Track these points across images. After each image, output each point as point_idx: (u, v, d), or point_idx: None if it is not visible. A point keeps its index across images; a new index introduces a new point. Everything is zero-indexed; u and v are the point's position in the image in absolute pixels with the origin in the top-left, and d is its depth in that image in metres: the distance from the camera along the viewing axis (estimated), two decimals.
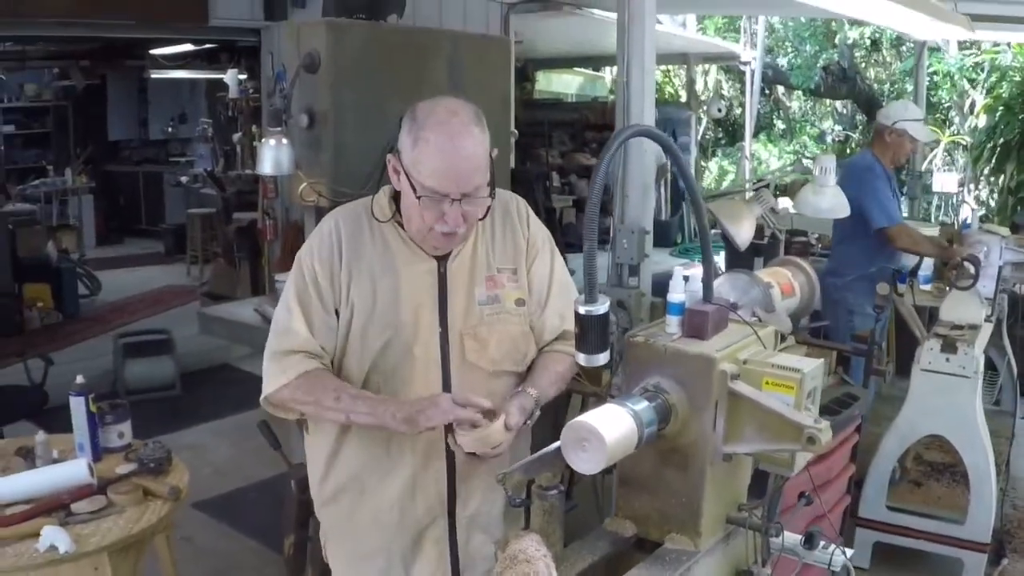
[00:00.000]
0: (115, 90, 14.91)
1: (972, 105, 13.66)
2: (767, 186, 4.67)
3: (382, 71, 4.80)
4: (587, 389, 3.80)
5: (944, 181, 10.08)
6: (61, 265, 9.52)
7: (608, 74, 15.73)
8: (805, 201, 4.27)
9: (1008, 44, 12.12)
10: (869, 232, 5.30)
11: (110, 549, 2.86)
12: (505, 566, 1.67)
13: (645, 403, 1.77)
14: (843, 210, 4.34)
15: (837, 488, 4.13)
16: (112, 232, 14.34)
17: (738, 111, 17.31)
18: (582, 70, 16.07)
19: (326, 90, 4.69)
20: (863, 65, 17.53)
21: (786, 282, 2.65)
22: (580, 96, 16.59)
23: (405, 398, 2.31)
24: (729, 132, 18.77)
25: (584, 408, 2.47)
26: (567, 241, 8.71)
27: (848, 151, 16.66)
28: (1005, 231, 5.10)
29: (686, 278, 1.98)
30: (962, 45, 13.35)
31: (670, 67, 16.39)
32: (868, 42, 16.78)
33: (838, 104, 18.84)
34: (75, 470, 3.12)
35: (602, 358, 1.77)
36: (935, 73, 14.03)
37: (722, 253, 8.43)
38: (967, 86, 14.02)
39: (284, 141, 4.59)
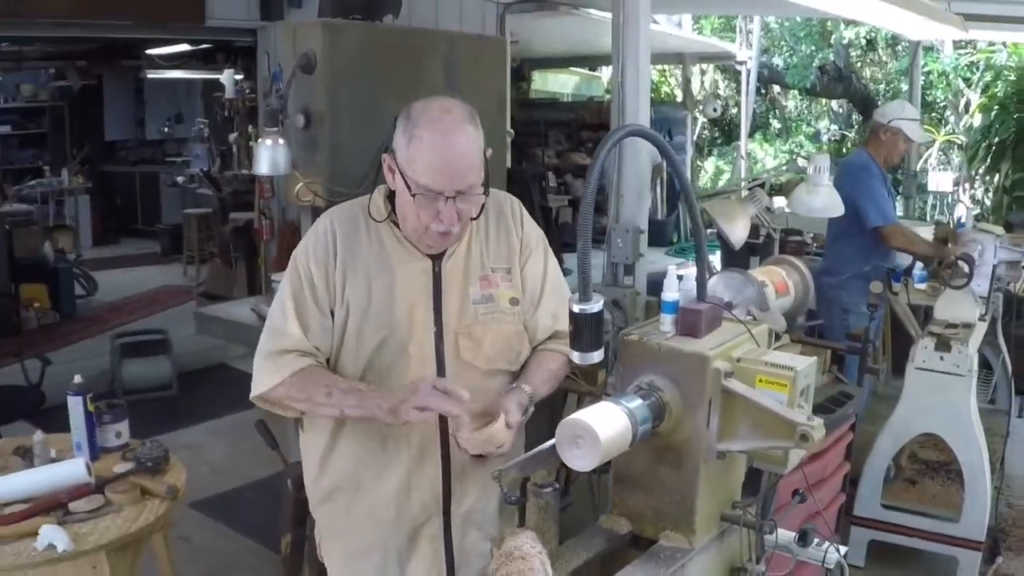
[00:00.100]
0: (111, 90, 14.90)
1: (967, 104, 13.69)
2: (762, 185, 4.69)
3: (378, 71, 4.80)
4: (583, 388, 3.82)
5: (939, 180, 10.11)
6: (58, 265, 9.51)
7: (604, 74, 15.75)
8: (799, 200, 4.28)
9: (1004, 43, 12.14)
10: (864, 231, 5.31)
11: (108, 548, 2.86)
12: (500, 563, 1.67)
13: (639, 401, 1.78)
14: (837, 209, 4.35)
15: (832, 486, 4.13)
16: (109, 232, 14.32)
17: (734, 110, 17.32)
18: (578, 70, 16.10)
19: (322, 90, 4.70)
20: (859, 64, 17.56)
21: (780, 281, 2.66)
22: (576, 96, 16.61)
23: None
24: (725, 131, 18.78)
25: (580, 407, 2.49)
26: (563, 241, 8.73)
27: (844, 150, 16.69)
28: (999, 230, 5.10)
29: (680, 277, 1.99)
30: (957, 44, 13.41)
31: (666, 67, 16.40)
32: (864, 42, 16.81)
33: (834, 103, 18.86)
34: (73, 469, 3.12)
35: (596, 356, 1.79)
36: (930, 72, 14.06)
37: (718, 252, 8.46)
38: (962, 85, 14.04)
39: (280, 141, 4.60)
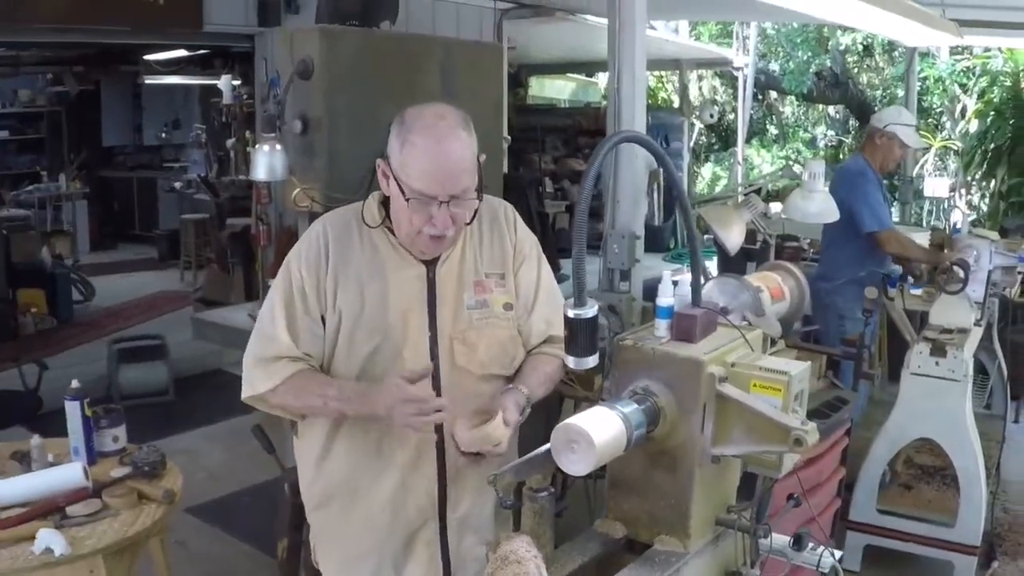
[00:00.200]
0: (109, 96, 14.91)
1: (963, 110, 13.70)
2: (758, 191, 4.70)
3: (375, 78, 4.81)
4: (579, 393, 3.82)
5: (935, 186, 10.10)
6: (55, 271, 9.52)
7: (601, 80, 15.77)
8: (794, 206, 4.29)
9: (999, 49, 12.15)
10: (859, 236, 5.32)
11: (105, 552, 2.87)
12: (496, 567, 1.68)
13: (634, 406, 1.79)
14: (832, 215, 4.37)
15: (827, 491, 4.14)
16: (106, 238, 14.32)
17: (731, 116, 17.34)
18: (575, 76, 16.13)
19: (320, 96, 4.70)
20: (855, 70, 17.58)
21: (776, 286, 2.68)
22: (573, 102, 16.63)
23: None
24: (722, 137, 18.79)
25: (577, 412, 2.50)
26: (560, 246, 8.72)
27: (841, 156, 16.70)
28: (995, 235, 5.12)
29: (675, 282, 2.00)
30: (953, 50, 13.41)
31: (663, 73, 16.42)
32: (860, 47, 16.83)
33: (831, 109, 18.88)
34: (70, 473, 3.13)
35: (591, 361, 1.80)
36: (926, 78, 14.08)
37: (714, 258, 8.47)
38: (958, 91, 14.06)
39: (278, 147, 4.60)
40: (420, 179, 2.20)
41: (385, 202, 2.37)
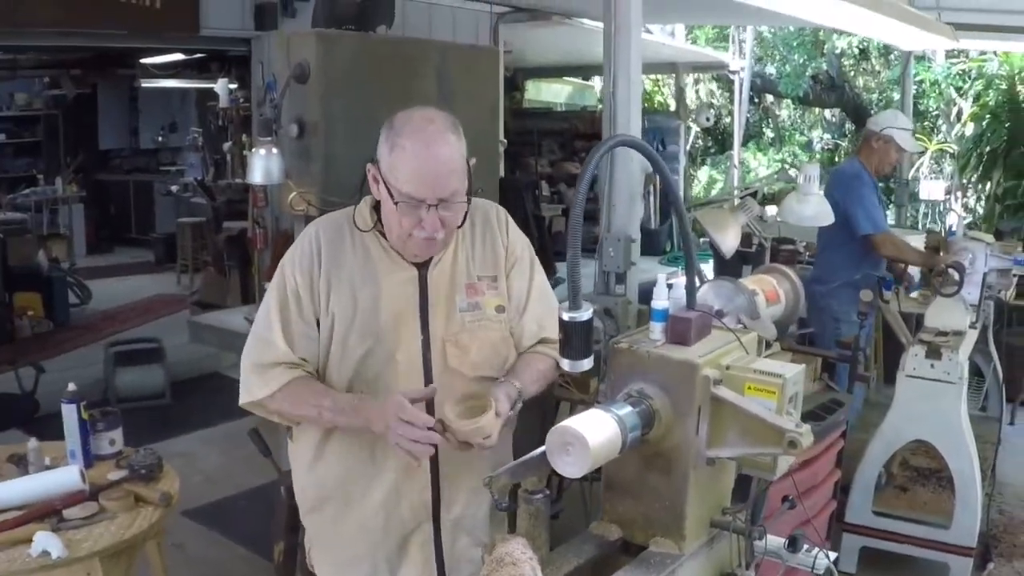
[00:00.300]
0: (106, 99, 14.91)
1: (959, 113, 13.70)
2: (754, 195, 4.71)
3: (371, 82, 4.83)
4: (575, 396, 3.84)
5: (931, 189, 10.14)
6: (52, 274, 9.52)
7: (597, 83, 15.76)
8: (789, 209, 4.30)
9: (994, 53, 12.17)
10: (854, 239, 5.33)
11: (102, 555, 2.87)
12: (491, 569, 1.69)
13: (629, 408, 1.80)
14: (827, 218, 4.38)
15: (823, 493, 4.15)
16: (102, 241, 14.32)
17: (727, 120, 17.34)
18: (571, 79, 16.11)
19: (316, 100, 4.72)
20: (851, 74, 17.58)
21: (771, 289, 2.69)
22: (569, 105, 16.62)
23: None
24: (719, 141, 18.79)
25: (572, 415, 2.51)
26: (556, 250, 8.72)
27: (837, 159, 16.70)
28: (990, 238, 5.13)
29: (670, 285, 2.01)
30: (949, 53, 13.42)
31: (659, 76, 16.42)
32: (856, 51, 16.83)
33: (827, 113, 18.88)
34: (67, 476, 3.13)
35: (586, 364, 1.81)
36: (922, 81, 14.08)
37: (710, 261, 8.47)
38: (954, 94, 14.07)
39: (274, 151, 4.61)
40: (409, 182, 2.21)
41: (377, 206, 2.39)
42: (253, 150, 4.72)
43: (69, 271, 10.66)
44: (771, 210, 5.34)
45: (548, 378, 2.52)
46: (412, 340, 2.38)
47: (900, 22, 6.17)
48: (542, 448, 1.74)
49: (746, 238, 4.92)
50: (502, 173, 7.82)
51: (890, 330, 5.40)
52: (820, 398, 3.77)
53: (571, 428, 1.66)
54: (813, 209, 4.29)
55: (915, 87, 12.06)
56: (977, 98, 12.80)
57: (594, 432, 1.67)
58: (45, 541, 2.77)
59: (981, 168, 11.28)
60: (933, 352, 4.34)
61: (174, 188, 13.43)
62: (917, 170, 12.65)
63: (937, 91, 14.56)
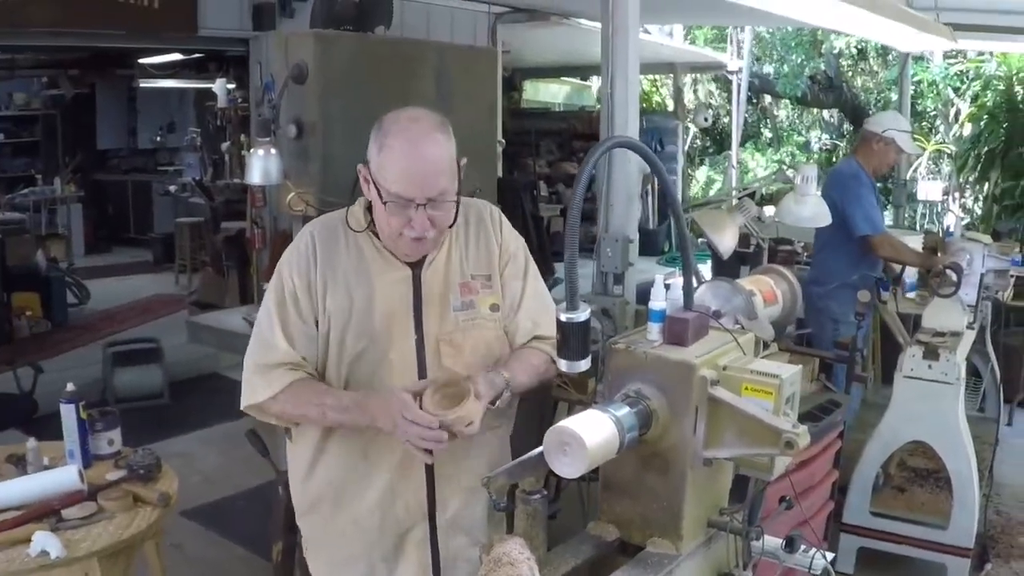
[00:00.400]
0: (104, 99, 14.90)
1: (957, 114, 13.71)
2: (752, 195, 4.72)
3: (370, 82, 4.83)
4: (572, 396, 3.84)
5: (929, 189, 10.16)
6: (50, 274, 9.51)
7: (595, 83, 15.77)
8: (787, 210, 4.31)
9: (991, 53, 12.18)
10: (851, 240, 5.33)
11: (100, 555, 2.87)
12: (489, 569, 1.69)
13: (626, 409, 1.80)
14: (825, 218, 4.38)
15: (820, 494, 4.15)
16: (101, 241, 14.31)
17: (725, 120, 17.35)
18: (569, 80, 16.12)
19: (314, 100, 4.72)
20: (850, 74, 17.59)
21: (768, 290, 2.70)
22: (567, 105, 16.63)
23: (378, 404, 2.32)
24: (717, 141, 18.80)
25: (570, 415, 2.51)
26: (554, 250, 8.72)
27: (835, 160, 16.70)
28: (987, 239, 5.13)
29: (667, 286, 2.01)
30: (947, 54, 13.43)
31: (657, 76, 16.43)
32: (855, 51, 16.84)
33: (825, 113, 18.89)
34: (66, 476, 3.13)
35: (583, 364, 1.81)
36: (920, 82, 14.09)
37: (708, 262, 8.48)
38: (952, 95, 14.08)
39: (272, 151, 4.61)
40: (397, 181, 2.22)
41: (371, 207, 2.39)
42: (251, 150, 4.72)
43: (67, 271, 10.65)
44: (769, 211, 5.34)
45: (541, 373, 2.51)
46: (406, 340, 2.38)
47: (898, 23, 6.18)
48: (540, 448, 1.74)
49: (744, 239, 4.92)
50: (500, 173, 7.83)
51: (888, 331, 5.39)
52: (818, 399, 3.78)
53: (568, 428, 1.67)
54: (811, 210, 4.29)
55: (913, 87, 12.07)
56: (975, 99, 12.82)
57: (591, 432, 1.68)
58: (44, 541, 2.78)
59: (979, 169, 11.30)
60: (931, 353, 4.34)
61: (172, 188, 13.42)
62: (915, 171, 12.66)
63: (935, 92, 14.57)
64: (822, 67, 16.77)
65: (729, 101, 15.96)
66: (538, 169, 13.55)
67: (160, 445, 4.00)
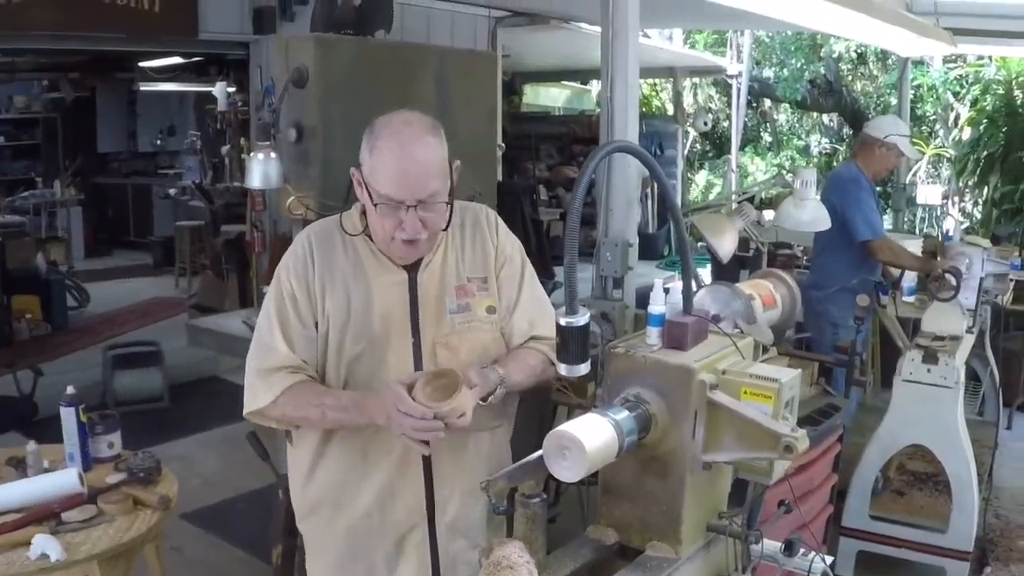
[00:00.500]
0: (104, 102, 14.90)
1: (956, 118, 13.71)
2: (752, 199, 4.72)
3: (370, 86, 4.84)
4: (572, 400, 3.84)
5: (928, 193, 10.15)
6: (50, 277, 9.51)
7: (595, 87, 15.77)
8: (786, 214, 4.31)
9: (991, 58, 12.19)
10: (851, 244, 5.32)
11: (100, 558, 2.87)
12: (489, 572, 1.69)
13: (626, 413, 1.81)
14: (824, 223, 4.38)
15: (820, 497, 4.15)
16: (101, 244, 14.32)
17: (725, 124, 17.35)
18: (569, 83, 16.13)
19: (314, 104, 4.73)
20: (849, 78, 17.60)
21: (767, 294, 2.70)
22: (567, 109, 16.63)
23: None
24: (716, 145, 18.81)
25: (569, 419, 2.51)
26: (554, 254, 8.72)
27: (834, 164, 16.71)
28: (987, 243, 5.13)
29: (666, 290, 2.01)
30: (947, 59, 13.44)
31: (657, 80, 16.43)
32: (854, 55, 16.85)
33: (824, 117, 18.89)
34: (66, 479, 3.14)
35: (583, 368, 1.81)
36: (920, 86, 14.09)
37: (708, 266, 8.48)
38: (951, 99, 14.09)
39: (272, 155, 4.62)
40: (387, 184, 2.23)
41: (366, 211, 2.40)
42: (251, 154, 4.73)
43: (67, 274, 10.66)
44: (768, 215, 5.34)
45: (538, 373, 2.51)
46: (403, 342, 2.39)
47: (898, 27, 6.19)
48: (539, 452, 1.75)
49: (743, 243, 4.92)
50: (500, 177, 7.83)
51: (887, 334, 5.40)
52: (817, 402, 3.78)
53: (568, 432, 1.67)
54: (810, 214, 4.30)
55: (913, 92, 12.07)
56: (974, 103, 12.83)
57: (591, 436, 1.68)
58: (43, 544, 2.78)
59: (978, 173, 11.32)
60: (930, 357, 4.35)
61: (172, 191, 13.41)
62: (914, 175, 12.67)
63: (935, 96, 14.58)
64: (822, 71, 16.77)
65: (729, 105, 15.95)
66: (538, 173, 13.54)
67: (160, 448, 4.00)
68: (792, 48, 16.24)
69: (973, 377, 5.66)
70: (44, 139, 14.56)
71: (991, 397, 5.85)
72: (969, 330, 4.66)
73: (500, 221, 2.59)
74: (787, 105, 18.35)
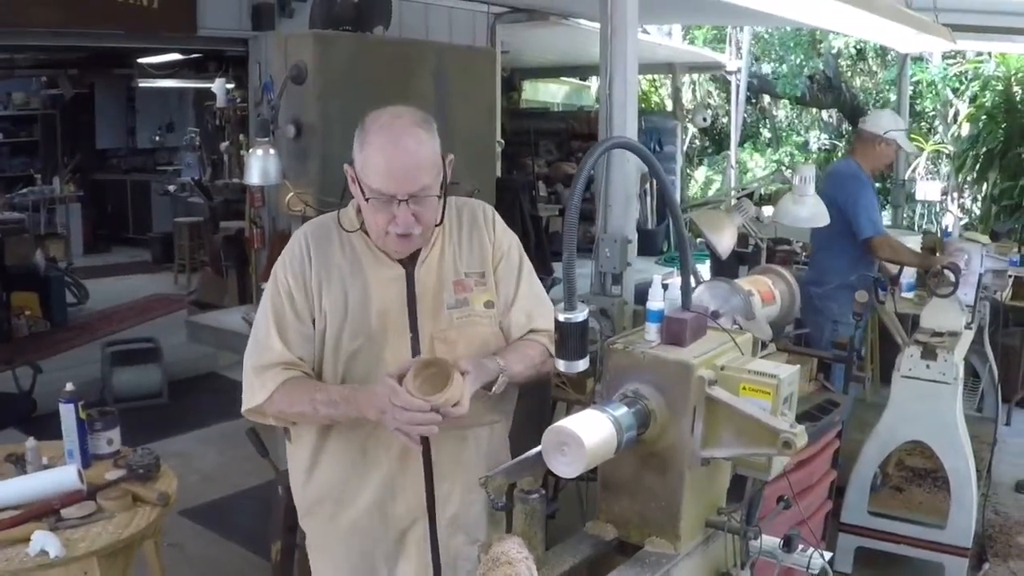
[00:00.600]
0: (103, 99, 14.90)
1: (955, 114, 13.72)
2: (751, 195, 4.72)
3: (368, 82, 4.84)
4: (571, 396, 3.84)
5: (927, 190, 10.16)
6: (49, 274, 9.51)
7: (594, 83, 15.77)
8: (785, 210, 4.31)
9: (989, 54, 12.20)
10: (850, 240, 5.31)
11: (99, 554, 2.87)
12: (487, 568, 1.69)
13: (624, 408, 1.81)
14: (823, 219, 4.38)
15: (818, 494, 4.15)
16: (100, 241, 14.33)
17: (724, 120, 17.36)
18: (568, 80, 16.13)
19: (313, 101, 4.73)
20: (848, 74, 17.60)
21: (766, 290, 2.70)
22: (566, 105, 16.63)
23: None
24: (715, 141, 18.80)
25: (568, 415, 2.51)
26: (553, 250, 8.72)
27: (833, 160, 16.72)
28: (986, 239, 5.13)
29: (665, 286, 2.01)
30: (946, 55, 13.45)
31: (656, 76, 16.43)
32: (853, 51, 16.85)
33: (824, 113, 18.89)
34: (65, 476, 3.13)
35: (582, 364, 1.82)
36: (919, 82, 14.10)
37: (707, 262, 8.49)
38: (951, 95, 14.09)
39: (271, 151, 4.62)
40: (377, 178, 2.23)
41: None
42: (250, 150, 4.73)
43: (66, 271, 10.66)
44: (767, 211, 5.34)
45: (537, 364, 2.50)
46: (401, 338, 2.39)
47: (897, 23, 6.18)
48: (538, 448, 1.75)
49: (742, 239, 4.93)
50: (499, 173, 7.84)
51: (886, 330, 5.39)
52: (816, 398, 3.78)
53: (567, 428, 1.67)
54: (809, 210, 4.30)
55: (912, 88, 12.08)
56: (973, 99, 12.84)
57: (590, 432, 1.68)
58: (43, 540, 2.78)
59: (977, 169, 11.32)
60: (929, 353, 4.35)
61: (171, 188, 13.41)
62: (913, 171, 12.67)
63: (934, 92, 14.58)
64: (821, 67, 16.78)
65: (728, 101, 15.97)
66: (537, 169, 13.54)
67: (159, 444, 3.99)
68: (791, 44, 16.25)
69: (972, 373, 5.66)
70: (43, 136, 14.55)
71: (990, 393, 5.85)
72: (968, 326, 4.66)
73: (497, 217, 2.59)
74: (786, 101, 18.37)
